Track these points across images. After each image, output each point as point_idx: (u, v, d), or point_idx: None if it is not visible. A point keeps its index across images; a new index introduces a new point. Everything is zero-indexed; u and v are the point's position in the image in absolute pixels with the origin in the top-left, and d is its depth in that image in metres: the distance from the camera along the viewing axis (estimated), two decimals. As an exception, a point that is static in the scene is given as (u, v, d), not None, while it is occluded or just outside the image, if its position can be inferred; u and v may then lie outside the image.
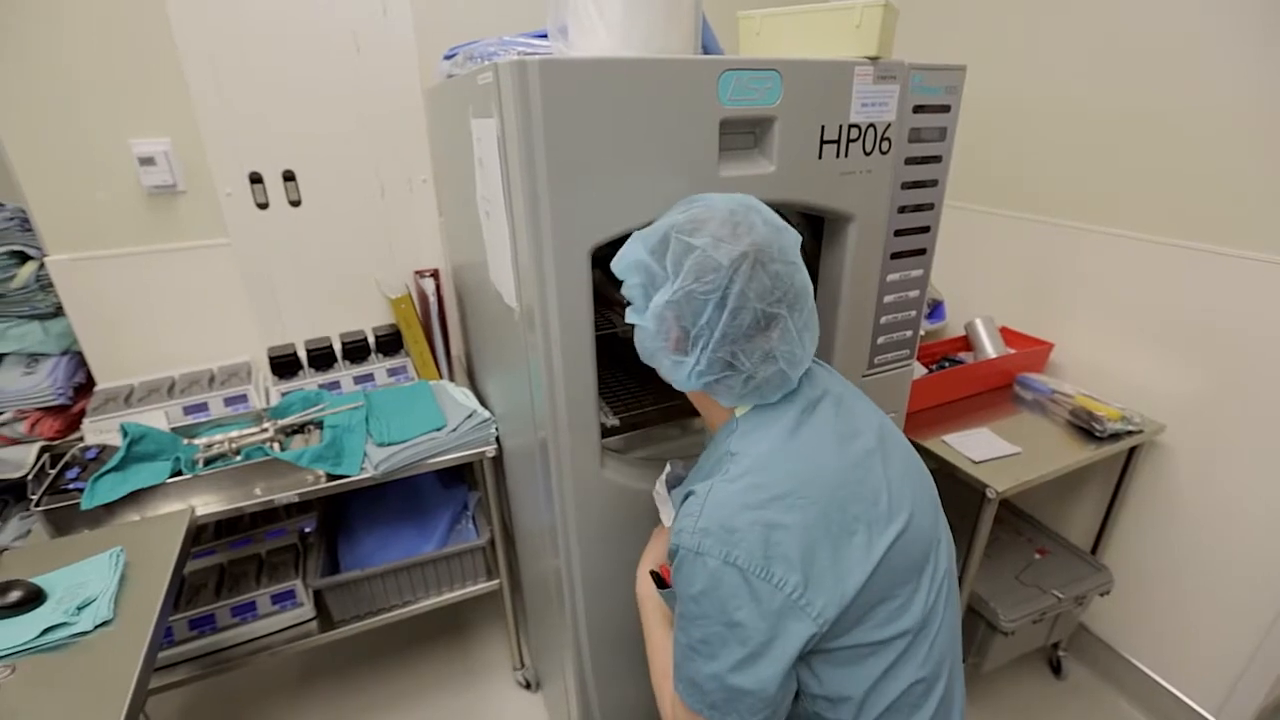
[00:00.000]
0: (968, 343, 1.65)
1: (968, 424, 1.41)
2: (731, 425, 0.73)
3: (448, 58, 1.16)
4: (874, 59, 0.88)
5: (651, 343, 0.70)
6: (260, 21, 1.38)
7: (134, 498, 1.15)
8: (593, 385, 0.89)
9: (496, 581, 1.51)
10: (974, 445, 1.31)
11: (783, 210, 1.05)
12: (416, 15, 1.50)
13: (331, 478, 1.24)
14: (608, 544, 1.01)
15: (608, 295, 1.27)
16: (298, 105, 1.47)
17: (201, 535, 1.50)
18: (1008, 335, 1.64)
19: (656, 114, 0.78)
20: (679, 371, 0.70)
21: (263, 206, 1.51)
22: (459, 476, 1.68)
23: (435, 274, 1.65)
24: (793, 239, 0.69)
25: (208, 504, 1.19)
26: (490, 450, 1.36)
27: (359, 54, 1.48)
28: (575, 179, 0.77)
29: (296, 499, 1.22)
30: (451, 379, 1.64)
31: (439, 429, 1.34)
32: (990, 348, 1.58)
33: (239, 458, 1.24)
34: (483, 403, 1.45)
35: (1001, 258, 1.70)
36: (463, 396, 1.46)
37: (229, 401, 1.44)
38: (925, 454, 1.31)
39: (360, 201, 1.59)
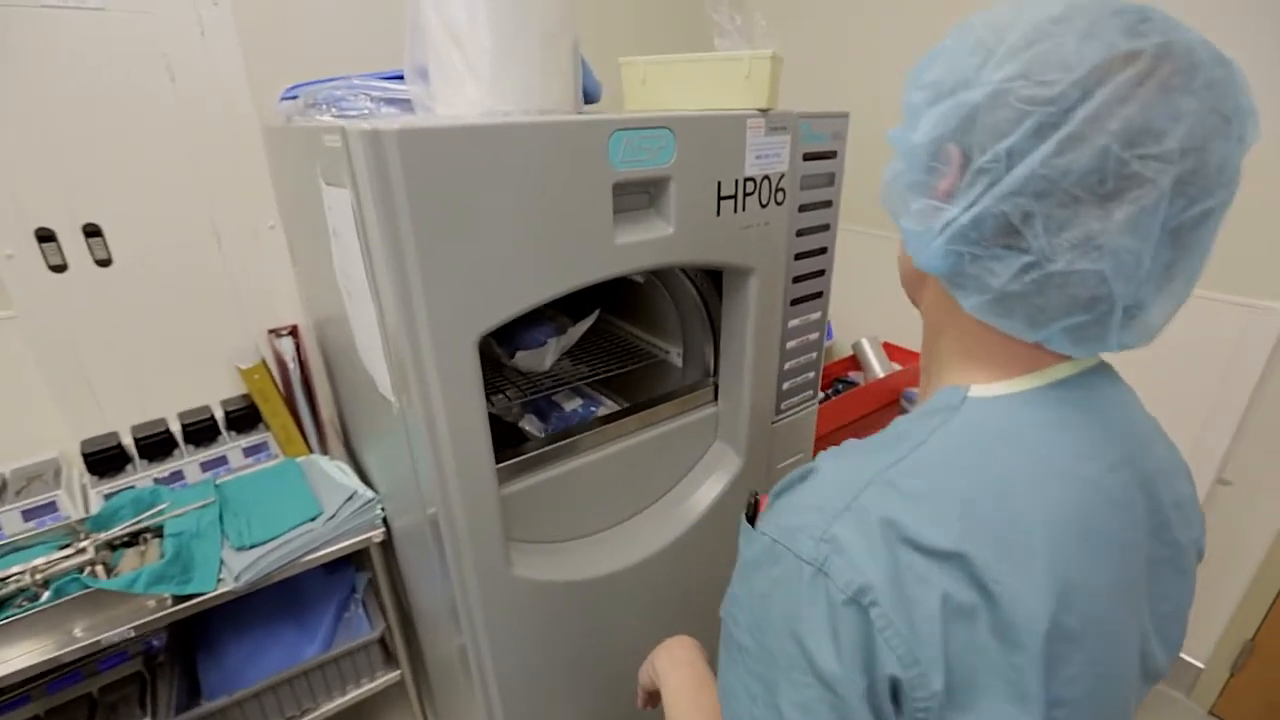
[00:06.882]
0: (856, 362, 1.70)
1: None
2: (947, 398, 0.44)
3: (287, 98, 0.99)
4: (765, 110, 0.85)
5: (908, 174, 0.44)
6: (38, 42, 1.12)
7: (-109, 671, 0.89)
8: (492, 479, 0.79)
9: (398, 672, 1.35)
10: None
11: (685, 270, 1.01)
12: (243, 38, 1.29)
13: (179, 599, 1.04)
14: (517, 616, 0.90)
15: (496, 358, 1.15)
16: (98, 145, 1.21)
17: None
18: (891, 350, 1.72)
19: (542, 182, 0.69)
20: (921, 234, 0.43)
21: (58, 269, 1.24)
22: (343, 558, 1.49)
23: (294, 330, 1.44)
24: (1243, 81, 0.38)
25: (3, 661, 0.94)
26: (378, 535, 1.20)
27: (174, 83, 1.25)
28: (452, 259, 0.66)
29: (133, 634, 1.00)
30: (324, 451, 1.44)
31: (314, 518, 1.16)
32: (878, 367, 1.65)
33: (47, 594, 1.00)
34: (362, 475, 1.28)
35: (878, 274, 1.77)
36: (339, 473, 1.28)
37: (30, 514, 1.17)
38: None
39: (192, 254, 1.36)
